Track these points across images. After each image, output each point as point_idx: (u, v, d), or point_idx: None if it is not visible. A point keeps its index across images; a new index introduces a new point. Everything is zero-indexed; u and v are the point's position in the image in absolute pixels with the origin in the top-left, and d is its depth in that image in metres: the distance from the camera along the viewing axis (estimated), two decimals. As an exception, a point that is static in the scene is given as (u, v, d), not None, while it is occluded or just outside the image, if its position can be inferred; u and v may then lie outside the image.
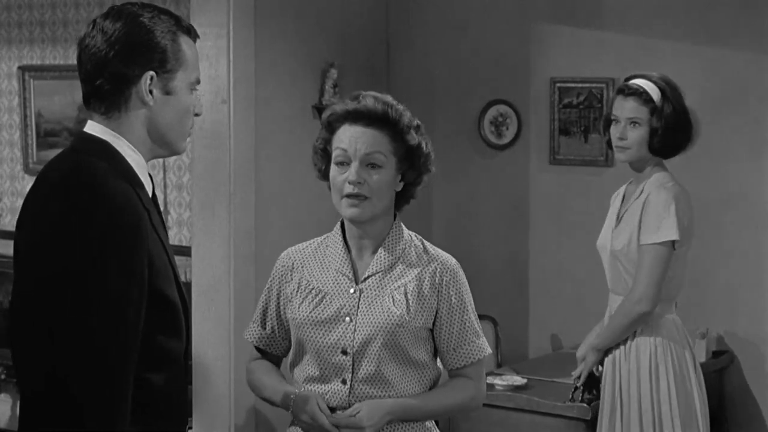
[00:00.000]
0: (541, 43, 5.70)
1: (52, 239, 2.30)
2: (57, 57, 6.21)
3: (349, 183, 2.96)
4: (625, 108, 4.25)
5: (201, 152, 5.15)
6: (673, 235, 4.16)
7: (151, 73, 2.41)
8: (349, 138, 2.97)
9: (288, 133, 5.44)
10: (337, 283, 3.03)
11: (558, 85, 5.64)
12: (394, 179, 3.00)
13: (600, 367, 4.39)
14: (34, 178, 6.74)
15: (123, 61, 2.40)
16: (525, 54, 5.74)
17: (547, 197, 5.73)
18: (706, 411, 4.30)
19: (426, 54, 5.99)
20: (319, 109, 5.53)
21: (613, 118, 4.30)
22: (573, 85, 5.60)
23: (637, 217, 4.22)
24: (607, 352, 4.33)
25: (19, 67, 6.37)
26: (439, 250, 3.09)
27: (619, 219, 4.34)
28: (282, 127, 5.42)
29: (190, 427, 5.18)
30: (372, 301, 2.99)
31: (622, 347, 4.28)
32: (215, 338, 5.17)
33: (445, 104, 5.91)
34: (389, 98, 3.02)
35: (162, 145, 2.49)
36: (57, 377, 2.26)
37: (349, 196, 2.96)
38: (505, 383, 4.79)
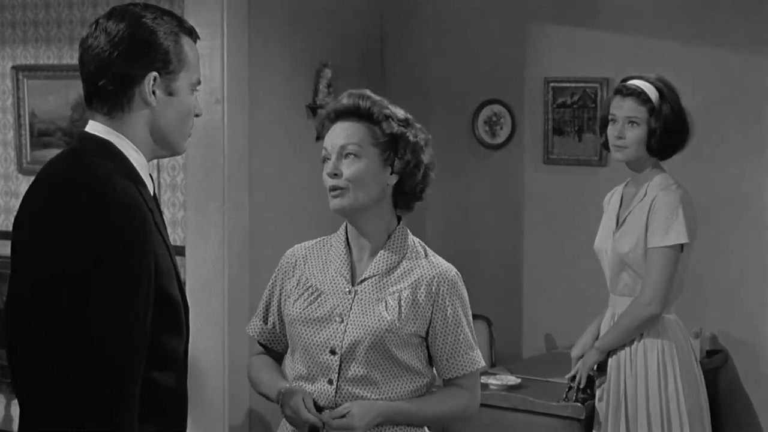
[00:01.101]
0: (536, 42, 5.70)
1: (54, 240, 2.29)
2: (51, 57, 6.20)
3: (328, 175, 2.98)
4: (623, 107, 4.26)
5: (195, 152, 5.15)
6: (683, 238, 4.19)
7: (154, 73, 2.42)
8: (329, 136, 3.02)
9: (282, 133, 5.44)
10: (334, 283, 3.04)
11: (552, 84, 5.64)
12: (380, 171, 2.99)
13: (594, 368, 4.40)
14: (28, 177, 6.73)
15: (126, 61, 2.40)
16: (519, 54, 5.74)
17: (541, 197, 5.74)
18: (708, 410, 4.33)
19: (420, 53, 5.99)
20: (313, 108, 5.53)
21: (611, 117, 4.30)
22: (567, 84, 5.61)
23: (643, 220, 4.23)
24: (610, 353, 4.33)
25: (13, 67, 6.36)
26: (441, 259, 3.08)
27: (620, 221, 4.35)
28: (276, 127, 5.42)
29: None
30: (365, 304, 2.99)
31: (627, 349, 4.28)
32: (209, 338, 5.17)
33: (440, 104, 5.91)
34: (365, 92, 3.04)
35: (164, 145, 2.49)
36: (58, 378, 2.25)
37: (331, 189, 2.98)
38: (499, 383, 4.79)
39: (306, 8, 5.56)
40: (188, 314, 2.49)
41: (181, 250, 5.30)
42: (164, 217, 6.03)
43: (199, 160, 5.17)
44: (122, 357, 2.27)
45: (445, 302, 3.01)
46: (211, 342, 5.17)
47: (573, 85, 5.59)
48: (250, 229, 5.27)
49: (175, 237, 5.82)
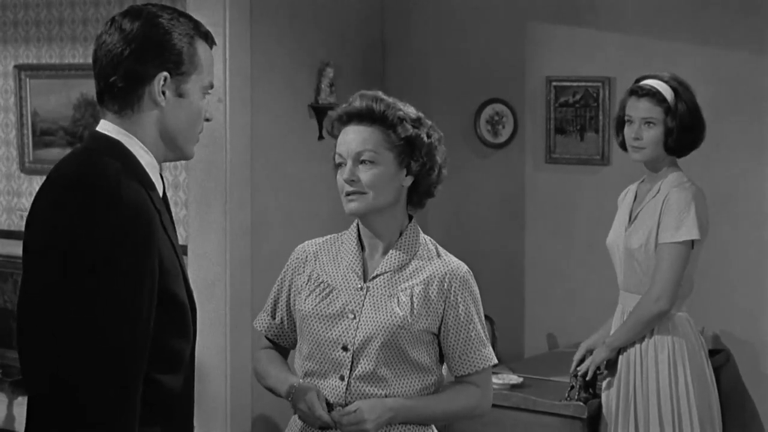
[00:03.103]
0: (537, 42, 5.70)
1: (61, 239, 2.29)
2: (53, 56, 6.20)
3: (345, 181, 2.98)
4: (639, 108, 4.27)
5: (197, 151, 5.12)
6: (694, 234, 4.20)
7: (165, 73, 2.41)
8: (342, 140, 3.01)
9: (284, 132, 5.45)
10: (346, 280, 3.04)
11: (554, 83, 5.64)
12: (396, 174, 2.99)
13: (600, 369, 4.40)
14: (30, 177, 6.72)
15: (138, 59, 2.39)
16: (521, 53, 5.74)
17: (543, 196, 5.74)
18: (718, 408, 4.33)
19: (422, 53, 5.99)
20: (315, 108, 5.53)
21: (627, 118, 4.31)
22: (569, 83, 5.61)
23: (655, 216, 4.24)
24: (620, 350, 4.34)
25: (15, 66, 6.36)
26: (452, 257, 3.08)
27: (632, 217, 4.35)
28: (278, 126, 5.42)
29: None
30: (377, 300, 3.00)
31: (638, 345, 4.29)
32: (211, 336, 5.17)
33: (441, 103, 5.91)
34: (378, 94, 3.02)
35: (172, 148, 2.49)
36: (62, 378, 2.25)
37: (347, 194, 2.98)
38: (501, 382, 4.79)
39: (307, 8, 5.57)
40: (195, 316, 2.48)
41: (183, 249, 5.30)
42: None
43: (201, 159, 5.17)
44: (126, 357, 2.27)
45: (457, 299, 3.02)
46: (213, 341, 5.18)
47: (575, 84, 5.59)
48: (252, 228, 5.27)
49: (177, 236, 5.83)
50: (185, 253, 5.25)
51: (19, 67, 6.34)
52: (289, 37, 5.47)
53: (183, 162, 5.74)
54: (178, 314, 2.41)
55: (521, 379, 4.85)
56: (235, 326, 5.17)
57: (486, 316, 5.49)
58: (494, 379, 4.80)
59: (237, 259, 5.19)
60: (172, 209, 6.45)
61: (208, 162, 5.17)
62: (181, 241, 5.61)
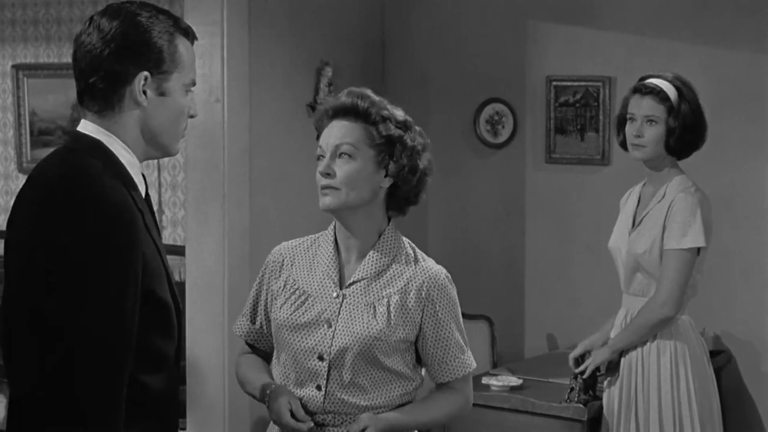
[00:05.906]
0: (537, 41, 5.69)
1: (48, 239, 2.28)
2: (51, 55, 6.19)
3: (320, 174, 2.95)
4: (641, 106, 4.25)
5: (195, 151, 5.14)
6: (700, 241, 4.19)
7: (146, 73, 2.39)
8: (326, 134, 2.99)
9: (283, 132, 5.43)
10: (322, 286, 3.00)
11: (554, 83, 5.62)
12: (373, 173, 2.95)
13: (600, 370, 4.38)
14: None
15: (118, 59, 2.38)
16: (521, 52, 5.73)
17: (543, 196, 5.72)
18: (720, 412, 4.32)
19: (421, 52, 5.98)
20: (313, 107, 5.51)
21: (629, 116, 4.29)
22: (569, 83, 5.59)
23: (660, 222, 4.22)
24: (622, 353, 4.32)
25: (13, 66, 6.35)
26: (431, 261, 3.04)
27: (636, 221, 4.33)
28: (276, 126, 5.41)
29: (183, 428, 5.17)
30: (353, 310, 2.96)
31: (640, 349, 4.28)
32: (209, 338, 5.16)
33: (441, 103, 5.89)
34: (366, 91, 3.00)
35: (155, 146, 2.47)
36: (51, 378, 2.24)
37: (322, 188, 2.96)
38: (500, 384, 4.78)
39: (307, 7, 5.55)
40: (180, 316, 2.47)
41: (181, 250, 5.29)
42: (164, 217, 6.03)
43: (199, 160, 5.16)
44: (111, 357, 2.27)
45: (435, 307, 2.98)
46: (211, 342, 5.16)
47: (575, 83, 5.57)
48: (251, 229, 5.26)
49: (175, 236, 5.81)
50: (183, 254, 5.23)
51: (17, 67, 6.33)
52: (287, 37, 5.45)
53: (182, 162, 5.73)
54: (162, 315, 2.40)
55: (521, 381, 4.83)
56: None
57: (485, 317, 5.53)
58: (494, 381, 4.79)
59: (235, 259, 5.17)
60: (171, 210, 6.46)
61: (206, 162, 5.15)
62: (179, 242, 5.61)
